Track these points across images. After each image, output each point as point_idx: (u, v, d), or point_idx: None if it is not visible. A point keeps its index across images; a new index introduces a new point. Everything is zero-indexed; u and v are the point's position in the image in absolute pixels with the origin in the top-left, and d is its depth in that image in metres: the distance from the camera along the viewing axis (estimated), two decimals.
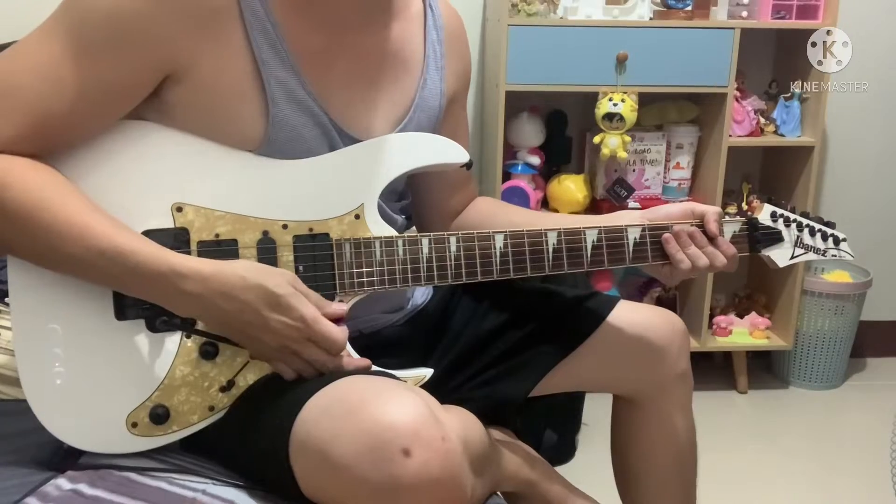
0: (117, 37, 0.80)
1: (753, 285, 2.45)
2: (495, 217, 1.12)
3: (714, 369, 2.42)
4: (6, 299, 0.85)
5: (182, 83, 0.83)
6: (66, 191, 0.81)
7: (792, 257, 1.05)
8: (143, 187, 0.85)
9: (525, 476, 1.07)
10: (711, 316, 2.26)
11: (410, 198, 1.11)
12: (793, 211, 1.07)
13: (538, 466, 1.10)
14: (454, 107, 1.09)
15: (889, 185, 2.43)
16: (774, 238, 1.04)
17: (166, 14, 0.80)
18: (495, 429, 1.11)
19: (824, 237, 1.06)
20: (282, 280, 0.82)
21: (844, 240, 1.08)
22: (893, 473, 1.49)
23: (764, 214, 1.05)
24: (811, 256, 1.06)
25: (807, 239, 1.06)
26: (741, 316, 2.33)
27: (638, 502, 1.14)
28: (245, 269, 0.82)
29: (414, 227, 1.16)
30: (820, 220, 1.07)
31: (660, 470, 1.12)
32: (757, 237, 1.04)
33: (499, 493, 1.02)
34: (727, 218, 1.03)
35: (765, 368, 2.47)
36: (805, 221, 1.06)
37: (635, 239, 0.99)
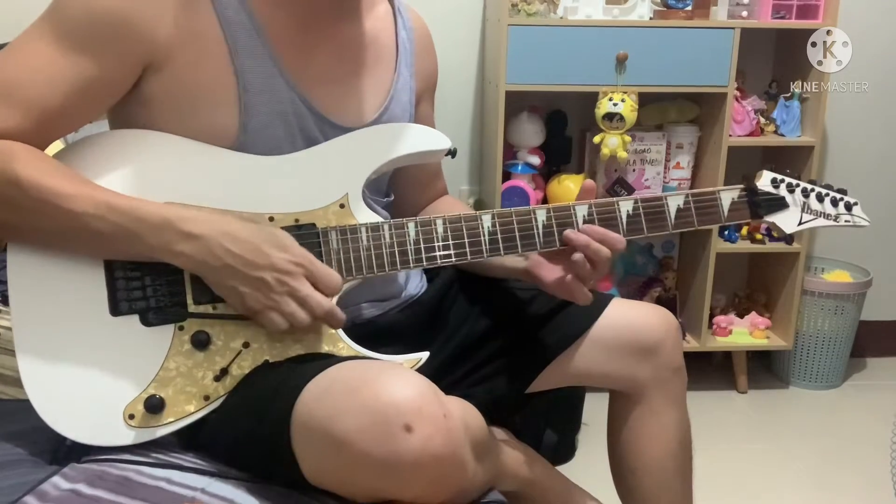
0: (98, 34, 0.84)
1: (753, 285, 2.45)
2: (444, 210, 1.14)
3: (714, 369, 2.42)
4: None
5: (160, 73, 0.87)
6: (66, 164, 0.86)
7: (800, 223, 1.01)
8: (129, 191, 0.86)
9: (525, 475, 1.07)
10: (711, 316, 2.26)
11: (393, 197, 1.12)
12: (798, 179, 1.02)
13: (538, 465, 1.11)
14: (422, 105, 1.13)
15: (889, 185, 2.43)
16: (777, 204, 1.01)
17: (140, 7, 0.84)
18: (495, 428, 1.11)
19: (834, 202, 1.02)
20: (278, 228, 0.88)
21: (856, 204, 1.02)
22: (893, 473, 1.49)
23: (764, 181, 1.01)
24: (821, 222, 1.02)
25: (814, 205, 1.01)
26: (741, 316, 2.33)
27: (636, 496, 1.14)
28: (246, 216, 0.88)
29: None
30: (829, 188, 1.02)
31: (657, 463, 1.12)
32: (757, 202, 1.00)
33: (497, 491, 1.02)
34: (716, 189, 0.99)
35: (765, 368, 2.47)
36: (811, 187, 1.01)
37: (628, 212, 0.97)
